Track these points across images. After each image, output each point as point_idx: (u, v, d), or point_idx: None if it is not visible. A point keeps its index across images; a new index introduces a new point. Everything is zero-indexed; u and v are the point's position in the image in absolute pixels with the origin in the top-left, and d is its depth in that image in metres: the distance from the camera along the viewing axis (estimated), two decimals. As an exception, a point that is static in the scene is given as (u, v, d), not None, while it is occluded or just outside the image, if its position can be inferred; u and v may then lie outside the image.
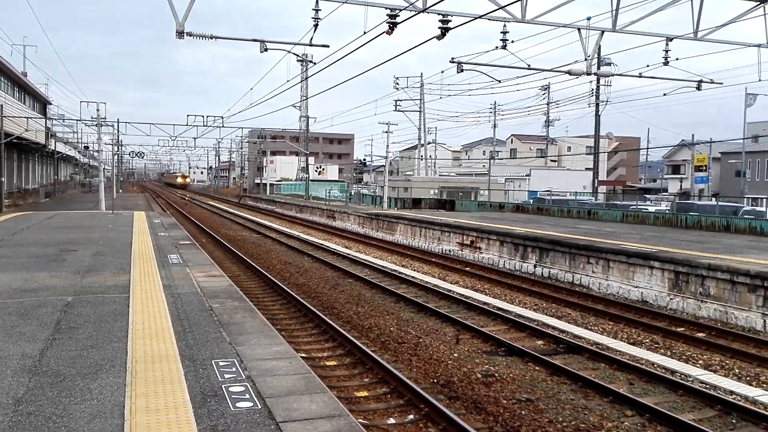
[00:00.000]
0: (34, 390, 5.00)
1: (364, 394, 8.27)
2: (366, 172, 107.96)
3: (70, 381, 5.22)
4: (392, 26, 14.35)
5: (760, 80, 19.23)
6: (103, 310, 7.81)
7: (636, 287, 15.41)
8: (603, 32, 17.06)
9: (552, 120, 65.20)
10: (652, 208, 31.41)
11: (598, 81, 40.55)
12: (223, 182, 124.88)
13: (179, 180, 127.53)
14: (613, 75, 27.65)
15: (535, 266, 19.26)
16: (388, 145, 42.03)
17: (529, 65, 19.03)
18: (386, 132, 41.39)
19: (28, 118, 40.69)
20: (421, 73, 69.15)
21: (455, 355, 10.13)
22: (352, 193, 53.78)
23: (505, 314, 12.91)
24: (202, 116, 41.55)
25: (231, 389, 5.10)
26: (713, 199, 39.23)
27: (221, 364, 5.76)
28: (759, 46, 18.05)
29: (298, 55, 42.58)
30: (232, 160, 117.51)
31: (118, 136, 46.79)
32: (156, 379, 5.32)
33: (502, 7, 14.50)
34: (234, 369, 5.63)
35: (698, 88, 20.41)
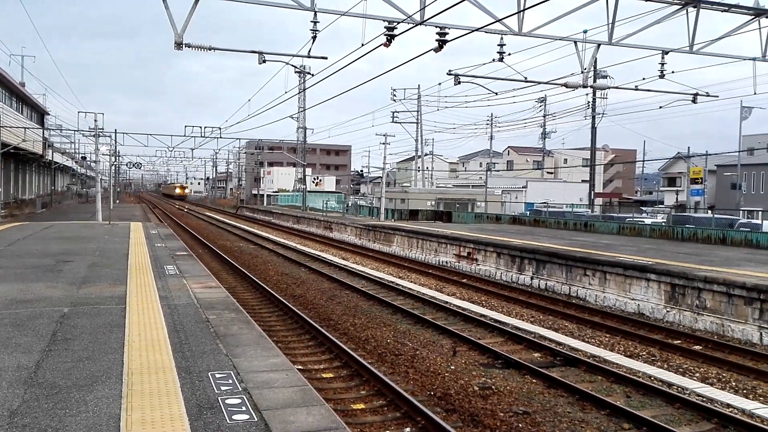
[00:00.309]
0: (29, 402, 4.97)
1: (361, 406, 8.25)
2: (363, 183, 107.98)
3: (66, 393, 5.19)
4: (390, 38, 14.41)
5: (755, 93, 19.37)
6: (99, 322, 7.79)
7: (633, 300, 15.42)
8: (599, 45, 17.15)
9: (548, 132, 65.31)
10: (648, 221, 31.48)
11: (594, 94, 40.72)
12: (220, 193, 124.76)
13: (178, 191, 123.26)
14: (609, 88, 27.80)
15: (532, 278, 19.26)
16: (385, 157, 42.05)
17: (525, 78, 19.10)
18: (383, 143, 41.39)
19: (25, 128, 40.68)
20: (419, 85, 69.42)
21: (452, 367, 10.11)
22: (350, 205, 53.78)
23: (502, 326, 12.90)
24: (200, 127, 41.61)
25: (227, 402, 5.08)
26: (709, 211, 39.35)
27: (217, 376, 5.74)
28: (754, 59, 18.15)
29: (296, 67, 42.71)
30: (230, 171, 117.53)
31: (116, 147, 46.76)
32: (152, 391, 5.30)
33: (499, 20, 14.58)
34: (230, 381, 5.61)
35: (694, 101, 20.49)
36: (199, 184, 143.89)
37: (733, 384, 9.71)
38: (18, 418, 4.63)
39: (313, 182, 76.40)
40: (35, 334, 7.09)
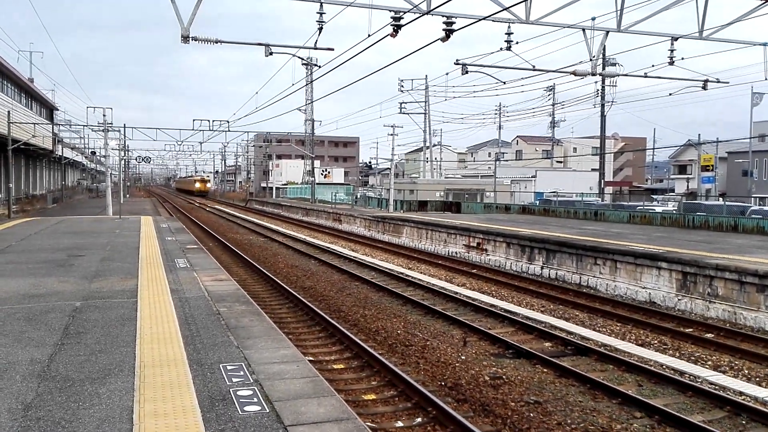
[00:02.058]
0: (43, 395, 5.01)
1: (372, 397, 8.27)
2: (371, 174, 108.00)
3: (79, 386, 5.23)
4: (396, 28, 14.35)
5: (766, 79, 19.19)
6: (111, 315, 7.83)
7: (644, 288, 15.36)
8: (608, 32, 17.01)
9: (557, 121, 64.98)
10: (659, 209, 31.30)
11: (603, 81, 40.44)
12: (229, 186, 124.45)
13: (197, 185, 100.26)
14: (618, 75, 27.58)
15: (542, 268, 19.21)
16: (393, 148, 41.98)
17: (534, 66, 18.99)
18: (391, 134, 41.32)
19: (35, 124, 40.88)
20: (426, 75, 69.19)
21: (463, 357, 10.11)
22: (358, 196, 53.77)
23: (513, 316, 12.89)
24: (208, 121, 41.66)
25: (239, 393, 5.10)
26: (720, 199, 39.08)
27: (229, 368, 5.77)
28: (765, 44, 17.99)
29: (302, 59, 42.65)
30: (238, 164, 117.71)
31: (125, 141, 46.95)
32: (164, 383, 5.33)
33: (506, 8, 14.48)
34: (242, 373, 5.63)
35: (704, 88, 20.33)
36: (208, 177, 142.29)
37: (746, 372, 9.66)
38: (32, 412, 4.67)
39: (322, 174, 76.42)
40: (48, 328, 7.14)
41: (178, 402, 4.90)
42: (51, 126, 51.44)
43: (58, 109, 58.96)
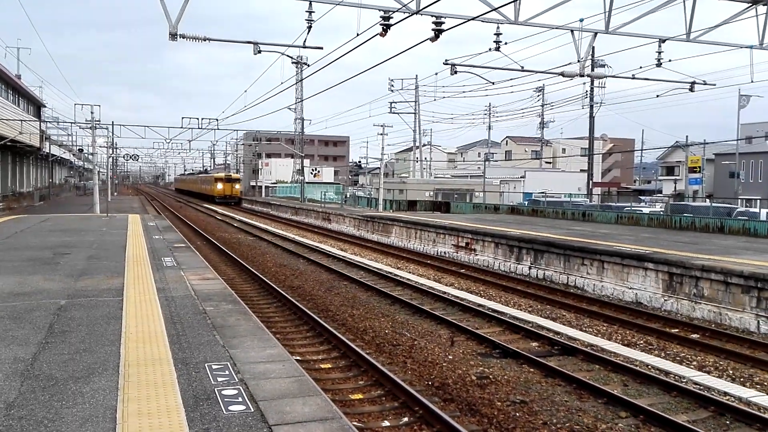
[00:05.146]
0: (26, 394, 4.98)
1: (359, 396, 8.27)
2: (361, 174, 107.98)
3: (63, 385, 5.20)
4: (386, 28, 14.35)
5: (752, 81, 19.33)
6: (96, 314, 7.79)
7: (630, 289, 15.44)
8: (596, 34, 17.09)
9: (546, 122, 65.17)
10: (646, 210, 31.48)
11: (591, 83, 40.59)
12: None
13: (219, 186, 66.27)
14: (606, 77, 27.75)
15: (529, 268, 19.28)
16: (383, 147, 41.96)
17: (522, 67, 19.04)
18: (381, 134, 41.29)
19: (22, 120, 40.49)
20: (416, 75, 69.18)
21: (450, 357, 10.13)
22: (348, 196, 53.70)
23: (500, 316, 12.92)
24: (197, 118, 41.40)
25: (224, 392, 5.09)
26: (707, 200, 39.34)
27: (214, 367, 5.74)
28: (751, 47, 18.10)
29: (292, 57, 42.50)
30: (228, 162, 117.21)
31: (113, 139, 46.67)
32: (148, 382, 5.31)
33: (495, 9, 14.52)
34: (227, 372, 5.61)
35: (691, 90, 20.47)
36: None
37: (731, 372, 9.73)
38: (14, 410, 4.63)
39: (312, 173, 76.23)
40: (32, 327, 7.09)
41: (162, 401, 4.87)
42: (38, 123, 51.01)
43: (45, 106, 58.51)
